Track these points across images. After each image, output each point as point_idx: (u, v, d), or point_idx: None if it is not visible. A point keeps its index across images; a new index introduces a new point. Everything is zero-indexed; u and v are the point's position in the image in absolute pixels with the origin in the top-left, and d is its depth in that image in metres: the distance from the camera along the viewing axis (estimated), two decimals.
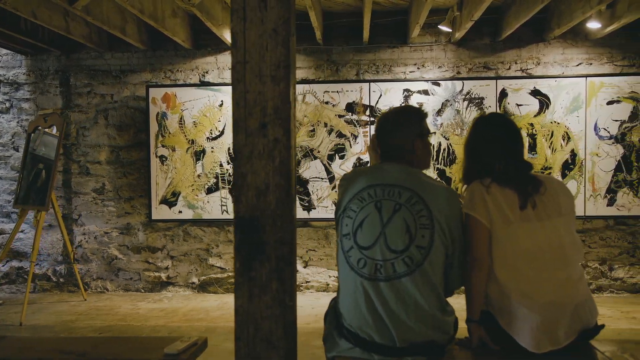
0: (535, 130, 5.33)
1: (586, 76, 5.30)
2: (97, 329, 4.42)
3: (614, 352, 1.87)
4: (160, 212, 5.61)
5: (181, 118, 5.57)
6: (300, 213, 5.49)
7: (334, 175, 5.48)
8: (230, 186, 5.49)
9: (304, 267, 5.62)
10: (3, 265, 5.83)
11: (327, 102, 5.47)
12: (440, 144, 5.40)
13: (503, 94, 5.34)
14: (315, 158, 5.50)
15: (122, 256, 5.75)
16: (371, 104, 5.42)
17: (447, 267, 1.91)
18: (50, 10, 4.50)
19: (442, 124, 5.39)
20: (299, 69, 5.57)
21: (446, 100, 5.38)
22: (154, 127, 5.58)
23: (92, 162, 5.76)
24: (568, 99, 5.29)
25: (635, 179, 5.28)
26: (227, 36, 5.11)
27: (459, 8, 4.87)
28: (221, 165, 5.55)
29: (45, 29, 5.16)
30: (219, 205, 5.56)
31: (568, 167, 5.32)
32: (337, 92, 5.46)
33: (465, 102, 5.37)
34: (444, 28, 5.15)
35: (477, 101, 5.36)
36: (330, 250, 5.59)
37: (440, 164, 5.41)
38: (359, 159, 5.45)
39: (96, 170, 5.76)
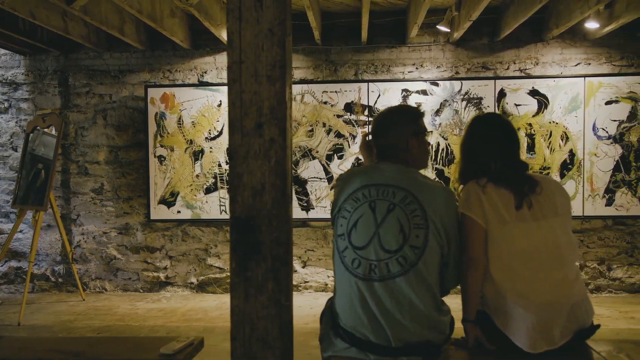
0: (534, 131, 5.33)
1: (585, 76, 5.30)
2: (96, 329, 4.42)
3: (610, 352, 1.88)
4: (158, 212, 5.61)
5: (180, 118, 5.57)
6: (299, 213, 5.50)
7: (332, 176, 5.48)
8: (228, 186, 5.49)
9: (303, 267, 5.62)
10: (2, 266, 5.83)
11: (325, 102, 5.47)
12: (438, 144, 5.40)
13: (501, 94, 5.34)
14: (314, 158, 5.50)
15: (121, 256, 5.75)
16: (370, 104, 5.42)
17: (443, 266, 1.90)
18: (48, 10, 4.49)
19: (440, 124, 5.39)
20: (298, 69, 5.57)
21: (445, 100, 5.38)
22: (152, 127, 5.58)
23: (91, 162, 5.76)
24: (566, 99, 5.30)
25: (633, 179, 5.28)
26: (225, 36, 5.10)
27: (457, 8, 4.87)
28: (220, 165, 5.55)
29: (44, 29, 5.16)
30: (217, 205, 5.56)
31: (566, 167, 5.32)
32: (336, 92, 5.46)
33: (464, 102, 5.37)
34: (443, 28, 5.15)
35: (475, 101, 5.36)
36: (329, 251, 5.59)
37: (439, 164, 5.41)
38: (357, 159, 5.45)
39: (95, 170, 5.76)
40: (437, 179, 5.36)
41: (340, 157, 5.47)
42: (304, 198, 5.51)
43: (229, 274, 5.58)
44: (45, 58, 5.77)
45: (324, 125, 5.48)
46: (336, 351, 1.86)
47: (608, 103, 5.28)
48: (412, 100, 5.38)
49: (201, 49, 5.64)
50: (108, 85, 5.73)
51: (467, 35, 5.26)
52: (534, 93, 5.33)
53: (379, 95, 5.42)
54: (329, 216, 5.55)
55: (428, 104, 5.38)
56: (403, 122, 2.02)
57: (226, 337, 3.92)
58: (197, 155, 5.58)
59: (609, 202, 5.30)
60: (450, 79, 5.40)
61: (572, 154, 5.31)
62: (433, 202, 1.87)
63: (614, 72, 5.33)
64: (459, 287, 2.01)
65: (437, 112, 5.39)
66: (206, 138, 5.56)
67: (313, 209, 5.50)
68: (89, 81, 5.74)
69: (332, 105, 5.47)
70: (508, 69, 5.43)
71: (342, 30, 5.53)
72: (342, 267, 1.89)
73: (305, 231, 5.60)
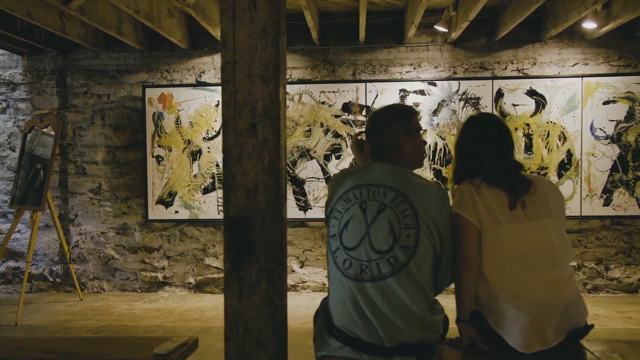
0: (532, 131, 5.33)
1: (582, 76, 5.30)
2: (92, 329, 4.42)
3: (604, 352, 1.88)
4: (156, 212, 5.61)
5: (177, 118, 5.57)
6: (297, 213, 5.50)
7: (330, 176, 5.48)
8: None
9: (301, 267, 5.62)
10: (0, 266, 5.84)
11: (323, 102, 5.47)
12: (436, 144, 5.40)
13: (499, 94, 5.35)
14: (312, 158, 5.50)
15: (119, 256, 5.75)
16: (367, 104, 5.42)
17: (436, 266, 1.90)
18: (46, 10, 4.49)
19: (438, 124, 5.39)
20: (296, 69, 5.57)
21: (442, 101, 5.38)
22: (150, 127, 5.58)
23: (89, 162, 5.76)
24: (564, 99, 5.30)
25: (631, 179, 5.29)
26: None
27: (455, 8, 4.87)
28: (217, 165, 5.55)
29: (42, 29, 5.16)
30: (215, 206, 5.56)
31: (564, 167, 5.32)
32: (334, 92, 5.46)
33: (462, 102, 5.37)
34: (440, 28, 5.15)
35: (473, 101, 5.36)
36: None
37: (437, 164, 5.41)
38: (355, 159, 5.44)
39: (93, 170, 5.76)
40: (434, 179, 5.36)
41: (338, 157, 5.47)
42: (302, 198, 5.51)
43: None
44: (43, 58, 5.77)
45: (322, 125, 5.48)
46: (330, 351, 1.86)
47: (606, 103, 5.28)
48: (410, 101, 5.38)
49: (199, 49, 5.63)
50: (106, 86, 5.73)
51: (464, 36, 5.27)
52: (531, 93, 5.33)
53: (377, 95, 5.42)
54: None
55: (426, 104, 5.38)
56: (395, 120, 2.01)
57: (223, 338, 3.92)
58: (195, 155, 5.58)
59: (607, 202, 5.30)
60: (448, 79, 5.40)
61: (569, 154, 5.32)
62: (425, 201, 1.86)
63: (612, 72, 5.33)
64: (453, 286, 2.01)
65: (435, 112, 5.39)
66: (204, 138, 5.56)
67: (311, 209, 5.50)
68: (87, 81, 5.74)
69: (329, 105, 5.47)
70: (506, 69, 5.43)
71: (340, 30, 5.53)
72: (335, 267, 1.89)
73: (303, 231, 5.60)
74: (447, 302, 2.10)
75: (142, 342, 1.95)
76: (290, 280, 5.60)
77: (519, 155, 5.31)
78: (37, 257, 5.77)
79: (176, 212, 5.59)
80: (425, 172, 5.38)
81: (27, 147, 5.28)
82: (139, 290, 5.73)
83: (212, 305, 5.19)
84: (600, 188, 5.30)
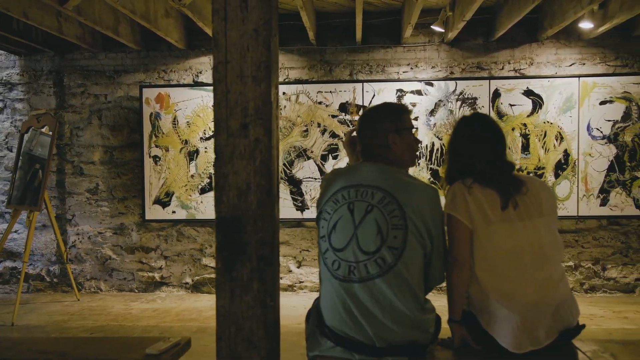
0: (529, 131, 5.33)
1: (579, 76, 5.30)
2: (89, 329, 4.42)
3: (596, 351, 1.88)
4: (153, 212, 5.61)
5: (175, 118, 5.57)
6: (294, 213, 5.50)
7: None
8: None
9: (298, 267, 5.62)
10: None
11: (320, 102, 5.48)
12: (433, 144, 5.40)
13: (496, 94, 5.35)
14: (309, 158, 5.51)
15: (116, 256, 5.75)
16: (364, 104, 5.43)
17: (426, 265, 1.90)
18: (42, 10, 4.49)
19: (435, 124, 5.40)
20: (292, 69, 5.57)
21: (439, 101, 5.39)
22: (147, 128, 5.58)
23: (86, 163, 5.76)
24: (561, 99, 5.30)
25: (628, 179, 5.29)
26: None
27: (451, 8, 4.88)
28: None
29: (39, 29, 5.16)
30: (212, 206, 5.56)
31: (561, 167, 5.33)
32: (331, 92, 5.47)
33: (459, 102, 5.37)
34: (437, 28, 5.16)
35: (470, 101, 5.36)
36: None
37: (434, 164, 5.41)
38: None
39: (90, 170, 5.76)
40: (431, 179, 5.36)
41: (335, 157, 5.47)
42: (299, 198, 5.51)
43: None
44: (40, 58, 5.77)
45: (319, 125, 5.49)
46: (322, 350, 1.86)
47: (602, 103, 5.28)
48: (407, 101, 5.39)
49: (196, 49, 5.63)
50: (103, 86, 5.72)
51: (461, 36, 5.27)
52: (528, 93, 5.33)
53: (374, 95, 5.42)
54: None
55: (423, 104, 5.39)
56: (384, 118, 2.01)
57: None
58: (192, 155, 5.58)
59: (604, 202, 5.31)
60: (445, 79, 5.41)
61: (566, 154, 5.32)
62: (414, 202, 1.85)
63: (609, 72, 5.33)
64: (444, 285, 2.01)
65: (432, 112, 5.40)
66: (201, 138, 5.57)
67: (308, 209, 5.50)
68: (84, 81, 5.74)
69: (327, 106, 5.47)
70: (503, 69, 5.43)
71: (337, 30, 5.53)
72: (325, 268, 1.89)
73: (300, 231, 5.60)
74: (440, 303, 2.10)
75: (135, 342, 1.96)
76: (287, 280, 5.60)
77: (516, 155, 5.32)
78: (34, 257, 5.77)
79: (173, 212, 5.59)
80: (423, 172, 5.38)
81: (26, 147, 5.27)
82: (136, 291, 5.73)
83: (209, 305, 5.18)
84: (597, 188, 5.31)
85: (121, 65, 5.71)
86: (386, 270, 1.79)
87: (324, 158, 5.49)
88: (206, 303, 5.26)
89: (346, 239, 1.84)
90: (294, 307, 4.95)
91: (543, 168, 5.33)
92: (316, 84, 5.49)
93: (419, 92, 5.40)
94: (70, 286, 5.58)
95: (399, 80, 5.45)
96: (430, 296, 1.97)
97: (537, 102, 5.32)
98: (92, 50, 5.63)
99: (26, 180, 5.18)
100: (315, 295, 5.42)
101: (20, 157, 5.27)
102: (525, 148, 5.34)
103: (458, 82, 5.37)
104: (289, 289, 5.60)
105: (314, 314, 1.98)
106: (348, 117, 5.46)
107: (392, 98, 5.39)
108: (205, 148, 5.55)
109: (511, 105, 5.34)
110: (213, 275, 5.67)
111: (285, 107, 5.51)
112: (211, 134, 5.56)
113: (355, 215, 1.85)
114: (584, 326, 1.95)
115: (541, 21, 5.18)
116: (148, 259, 5.72)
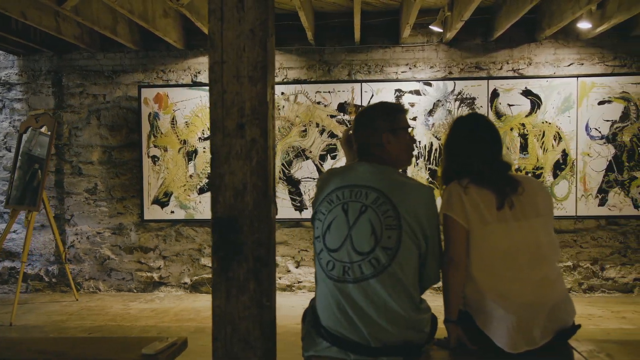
0: (527, 131, 5.34)
1: (577, 76, 5.31)
2: (87, 329, 4.42)
3: (592, 351, 1.88)
4: (152, 212, 5.61)
5: (173, 118, 5.57)
6: (292, 213, 5.50)
7: None
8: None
9: (296, 267, 5.62)
10: None
11: (319, 102, 5.48)
12: (432, 144, 5.40)
13: (495, 94, 5.35)
14: (307, 158, 5.51)
15: (115, 256, 5.75)
16: (363, 104, 5.42)
17: (421, 265, 1.90)
18: (40, 10, 4.49)
19: (433, 124, 5.40)
20: (291, 69, 5.57)
21: (438, 101, 5.39)
22: (146, 128, 5.58)
23: (85, 163, 5.76)
24: (559, 99, 5.30)
25: (626, 179, 5.29)
26: None
27: (450, 8, 4.88)
28: None
29: (37, 29, 5.15)
30: None
31: (559, 167, 5.33)
32: (329, 92, 5.47)
33: (457, 102, 5.37)
34: (435, 28, 5.16)
35: (468, 101, 5.36)
36: None
37: (432, 164, 5.41)
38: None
39: (88, 170, 5.76)
40: (430, 179, 5.36)
41: (333, 158, 5.48)
42: (297, 198, 5.51)
43: None
44: (38, 58, 5.77)
45: (317, 125, 5.49)
46: (318, 350, 1.86)
47: (601, 103, 5.29)
48: (405, 101, 5.39)
49: (195, 49, 5.63)
50: (102, 86, 5.72)
51: (460, 36, 5.27)
52: (527, 93, 5.33)
53: (373, 95, 5.42)
54: None
55: (421, 104, 5.39)
56: (379, 117, 2.00)
57: None
58: (191, 155, 5.58)
59: (602, 202, 5.31)
60: (444, 79, 5.41)
61: (565, 154, 5.32)
62: (409, 202, 1.85)
63: (607, 72, 5.33)
64: (440, 285, 2.01)
65: (431, 112, 5.40)
66: (199, 138, 5.57)
67: (306, 209, 5.50)
68: (83, 81, 5.74)
69: (325, 106, 5.47)
70: (501, 69, 5.43)
71: (335, 30, 5.53)
72: (320, 269, 1.89)
73: (298, 231, 5.60)
74: (436, 303, 2.10)
75: (133, 342, 1.96)
76: (286, 280, 5.60)
77: (515, 155, 5.32)
78: (33, 257, 5.77)
79: (172, 212, 5.59)
80: (421, 172, 5.39)
81: (25, 147, 5.27)
82: (135, 291, 5.73)
83: (208, 305, 5.17)
84: (595, 188, 5.31)
85: (120, 65, 5.71)
86: (380, 270, 1.79)
87: (322, 158, 5.49)
88: (205, 303, 5.26)
89: (340, 239, 1.84)
90: (292, 307, 4.95)
91: (541, 168, 5.33)
92: (315, 84, 5.49)
93: (417, 92, 5.40)
94: (69, 286, 5.58)
95: (397, 80, 5.45)
96: (426, 296, 1.97)
97: (536, 102, 5.32)
98: (91, 50, 5.63)
99: (25, 180, 5.18)
100: (314, 295, 5.44)
101: (19, 157, 5.26)
102: (524, 148, 5.35)
103: (456, 82, 5.37)
104: (287, 289, 5.61)
105: (310, 314, 1.98)
106: (347, 117, 5.46)
107: (391, 98, 5.39)
108: (204, 148, 5.55)
109: (510, 105, 5.34)
110: (211, 276, 5.67)
111: (283, 107, 5.51)
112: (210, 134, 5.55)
113: (349, 215, 1.85)
114: (579, 326, 1.95)
115: (539, 21, 5.18)
116: (147, 259, 5.72)
